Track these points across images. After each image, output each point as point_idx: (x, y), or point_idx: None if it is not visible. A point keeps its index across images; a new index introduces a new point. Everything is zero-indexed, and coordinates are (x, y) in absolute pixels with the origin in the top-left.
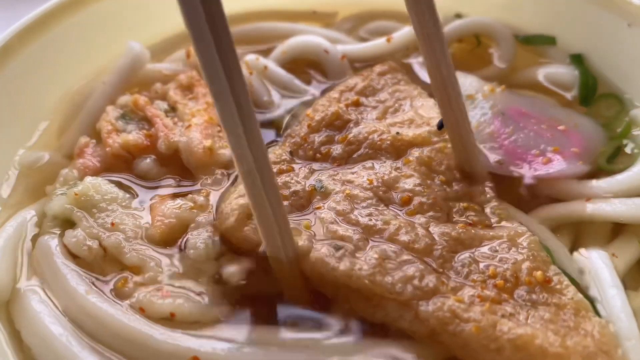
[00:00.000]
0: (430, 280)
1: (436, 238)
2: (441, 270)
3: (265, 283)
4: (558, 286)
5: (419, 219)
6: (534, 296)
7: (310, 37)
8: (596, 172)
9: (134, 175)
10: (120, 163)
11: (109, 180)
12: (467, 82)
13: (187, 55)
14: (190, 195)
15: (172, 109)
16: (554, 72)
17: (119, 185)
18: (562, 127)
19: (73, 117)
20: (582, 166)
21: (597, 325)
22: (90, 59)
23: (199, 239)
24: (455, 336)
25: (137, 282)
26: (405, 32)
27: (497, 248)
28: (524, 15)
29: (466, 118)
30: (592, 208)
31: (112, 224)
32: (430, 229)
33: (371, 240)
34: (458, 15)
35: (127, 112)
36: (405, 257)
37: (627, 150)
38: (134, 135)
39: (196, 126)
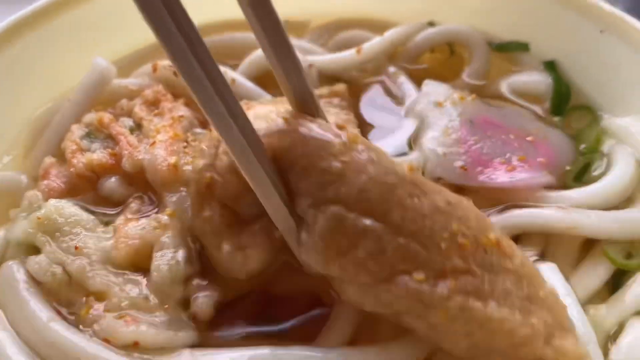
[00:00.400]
0: (388, 255)
1: (392, 179)
2: (399, 225)
3: (234, 307)
4: (508, 249)
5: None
6: (492, 259)
7: None
8: (564, 186)
9: (100, 196)
10: (85, 183)
11: (74, 202)
12: (437, 90)
13: (153, 69)
14: (154, 215)
15: (138, 126)
16: (526, 80)
17: (84, 207)
18: (530, 137)
19: (39, 137)
20: (548, 176)
21: (550, 295)
22: (55, 77)
23: (163, 260)
24: (421, 319)
25: (101, 309)
26: (375, 43)
27: (452, 201)
28: (497, 21)
29: None
30: (567, 219)
31: (76, 247)
32: (383, 161)
33: (319, 197)
34: (431, 24)
35: (92, 130)
36: (360, 221)
37: (597, 164)
38: (98, 155)
39: (160, 143)
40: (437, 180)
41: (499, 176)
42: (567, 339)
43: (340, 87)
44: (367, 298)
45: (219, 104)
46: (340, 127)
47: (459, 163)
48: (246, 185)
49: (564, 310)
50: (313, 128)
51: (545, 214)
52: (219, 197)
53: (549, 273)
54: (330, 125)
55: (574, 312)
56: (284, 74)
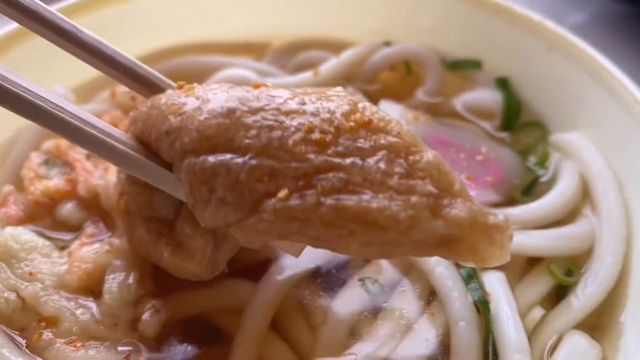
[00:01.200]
0: (243, 182)
1: (229, 105)
2: (246, 147)
3: (184, 329)
4: (382, 124)
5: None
6: (360, 143)
7: (236, 71)
8: (512, 203)
9: (57, 221)
10: (43, 209)
11: (31, 228)
12: (392, 110)
13: (111, 95)
14: (107, 239)
15: None
16: (478, 97)
17: (41, 233)
18: (480, 157)
19: (0, 166)
20: (493, 195)
21: (431, 160)
22: None
23: (114, 283)
24: (303, 235)
25: (53, 334)
26: (331, 65)
27: (305, 100)
28: (451, 40)
29: None
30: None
31: (30, 273)
32: (220, 95)
33: (174, 157)
34: (387, 43)
35: (50, 157)
36: (208, 161)
37: (543, 179)
38: (55, 181)
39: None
40: None
41: None
42: (455, 205)
43: None
44: (249, 235)
45: (64, 119)
46: (180, 87)
47: None
48: (147, 186)
49: (448, 173)
50: (154, 101)
51: None
52: (137, 213)
53: (495, 282)
54: (170, 92)
55: (512, 322)
56: (118, 72)
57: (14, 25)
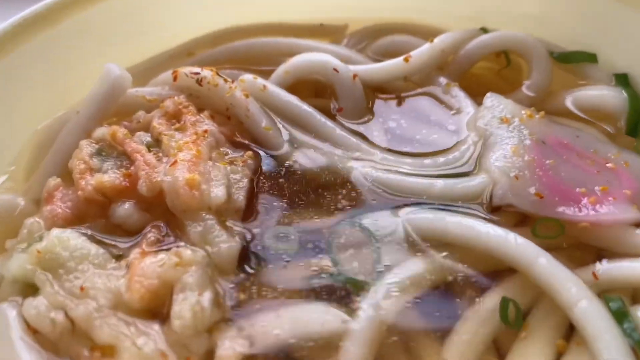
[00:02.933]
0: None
1: None
2: None
3: None
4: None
5: None
6: None
7: (317, 55)
8: None
9: (111, 224)
10: (94, 209)
11: (81, 231)
12: (501, 105)
13: (173, 77)
14: (174, 249)
15: (157, 142)
16: (596, 95)
17: (93, 237)
18: (610, 164)
19: (43, 154)
20: (636, 212)
21: None
22: (61, 86)
23: (185, 305)
24: None
25: None
26: (424, 51)
27: None
28: (557, 29)
29: None
30: None
31: (82, 288)
32: None
33: None
34: (484, 30)
35: (104, 146)
36: None
37: None
38: (110, 175)
39: (183, 162)
40: (508, 207)
41: (582, 209)
42: None
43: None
44: None
45: None
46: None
47: (533, 189)
48: None
49: None
50: None
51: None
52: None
53: None
54: None
55: None
56: None
57: None
